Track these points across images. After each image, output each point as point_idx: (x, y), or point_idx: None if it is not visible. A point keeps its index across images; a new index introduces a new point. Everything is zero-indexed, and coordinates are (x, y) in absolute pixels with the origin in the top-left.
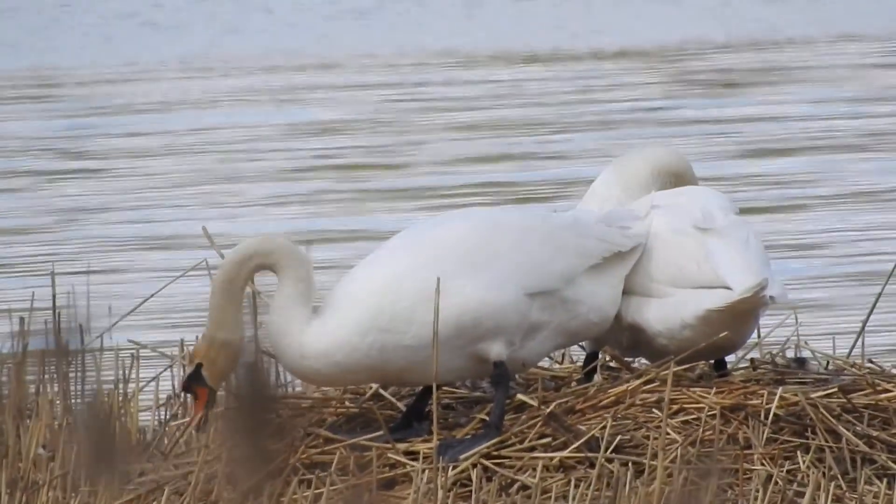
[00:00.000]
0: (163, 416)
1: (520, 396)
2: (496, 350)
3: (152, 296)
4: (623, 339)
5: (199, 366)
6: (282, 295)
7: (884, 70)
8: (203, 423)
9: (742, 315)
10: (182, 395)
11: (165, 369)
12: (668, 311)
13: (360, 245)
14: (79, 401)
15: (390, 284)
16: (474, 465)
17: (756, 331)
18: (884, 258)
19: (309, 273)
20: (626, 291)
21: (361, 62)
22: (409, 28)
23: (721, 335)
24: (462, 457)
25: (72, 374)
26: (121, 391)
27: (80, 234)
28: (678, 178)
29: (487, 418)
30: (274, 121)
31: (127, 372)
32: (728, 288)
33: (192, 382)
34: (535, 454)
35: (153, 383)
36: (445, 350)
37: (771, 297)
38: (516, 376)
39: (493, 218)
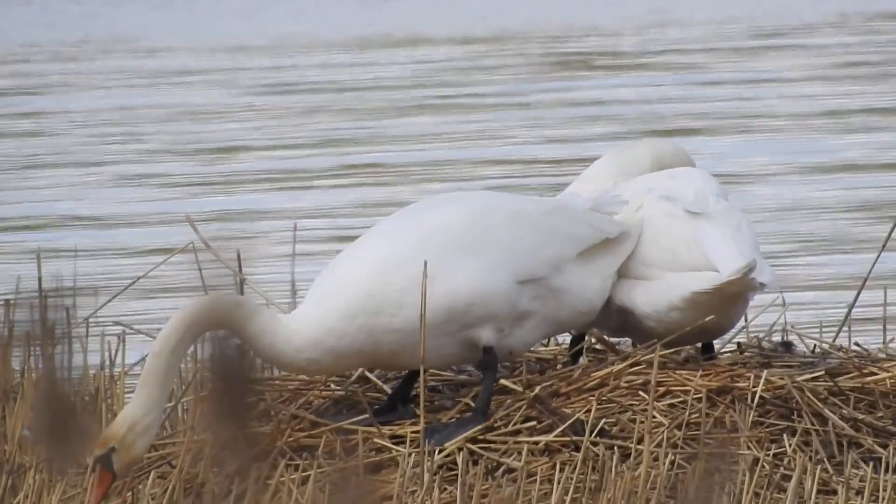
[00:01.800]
0: None
1: (503, 382)
2: (486, 336)
3: (140, 278)
4: (612, 320)
5: (111, 449)
6: (243, 331)
7: (758, 52)
8: None
9: (730, 298)
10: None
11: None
12: (657, 293)
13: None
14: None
15: (380, 268)
16: (460, 449)
17: (743, 315)
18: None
19: (245, 301)
20: (618, 275)
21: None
22: (288, 13)
23: (708, 318)
24: (448, 442)
25: (57, 356)
26: (107, 373)
27: None
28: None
29: (473, 403)
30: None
31: (113, 354)
32: (716, 271)
33: (100, 464)
34: (521, 438)
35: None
36: (436, 335)
37: (761, 284)
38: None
39: (483, 202)
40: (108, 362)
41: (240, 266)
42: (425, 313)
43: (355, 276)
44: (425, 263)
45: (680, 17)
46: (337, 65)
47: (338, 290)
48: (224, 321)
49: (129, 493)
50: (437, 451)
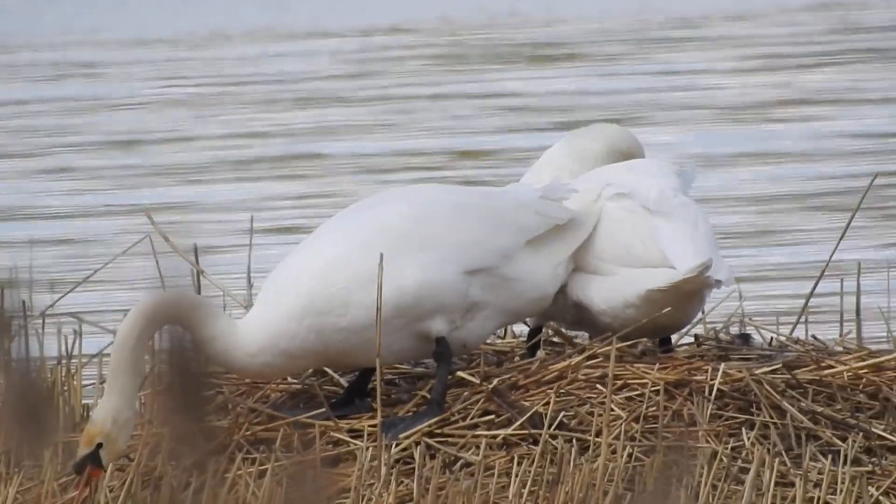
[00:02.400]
0: None
1: (460, 374)
2: (437, 327)
3: (96, 271)
4: (568, 315)
5: (98, 446)
6: (197, 331)
7: (671, 43)
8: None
9: (686, 295)
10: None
11: (109, 345)
12: (612, 289)
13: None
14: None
15: (325, 268)
16: (417, 443)
17: (699, 311)
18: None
19: (200, 301)
20: (575, 269)
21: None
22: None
23: (664, 311)
24: (404, 434)
25: (14, 349)
26: (64, 367)
27: None
28: (629, 157)
29: (429, 395)
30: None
31: (70, 348)
32: (672, 268)
33: (89, 462)
34: (479, 431)
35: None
36: (387, 331)
37: (717, 281)
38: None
39: (430, 196)
40: (64, 355)
41: (196, 258)
42: (372, 309)
43: (301, 278)
44: (381, 256)
45: (600, 9)
46: (252, 57)
47: (285, 293)
48: (181, 319)
49: (88, 487)
50: (394, 445)
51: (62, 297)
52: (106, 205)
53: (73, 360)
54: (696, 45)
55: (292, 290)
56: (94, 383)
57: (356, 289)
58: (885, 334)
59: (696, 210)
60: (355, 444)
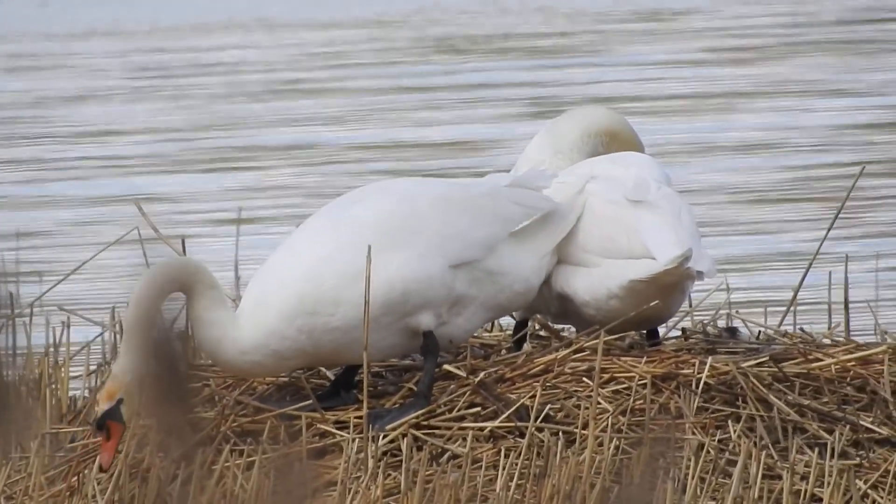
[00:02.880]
0: (94, 384)
1: (446, 367)
2: (424, 321)
3: (84, 263)
4: (552, 306)
5: (119, 401)
6: (199, 307)
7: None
8: (112, 460)
9: (668, 287)
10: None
11: (96, 337)
12: (595, 281)
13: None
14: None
15: (314, 268)
16: (404, 435)
17: (688, 300)
18: None
19: (213, 278)
20: (559, 261)
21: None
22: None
23: (651, 304)
24: (390, 427)
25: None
26: (51, 359)
27: None
28: (614, 138)
29: (416, 387)
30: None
31: (57, 339)
32: (653, 259)
33: (110, 418)
34: (465, 424)
35: (84, 351)
36: (375, 328)
37: (699, 272)
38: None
39: (408, 190)
40: (52, 347)
41: (184, 250)
42: (361, 306)
43: (290, 277)
44: (369, 248)
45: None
46: (209, 48)
47: (275, 292)
48: (187, 286)
49: (75, 479)
50: (380, 437)
51: (50, 288)
52: (75, 196)
53: (60, 352)
54: (658, 38)
55: (281, 290)
56: (81, 375)
57: (345, 286)
58: (872, 326)
59: (679, 201)
60: (342, 436)
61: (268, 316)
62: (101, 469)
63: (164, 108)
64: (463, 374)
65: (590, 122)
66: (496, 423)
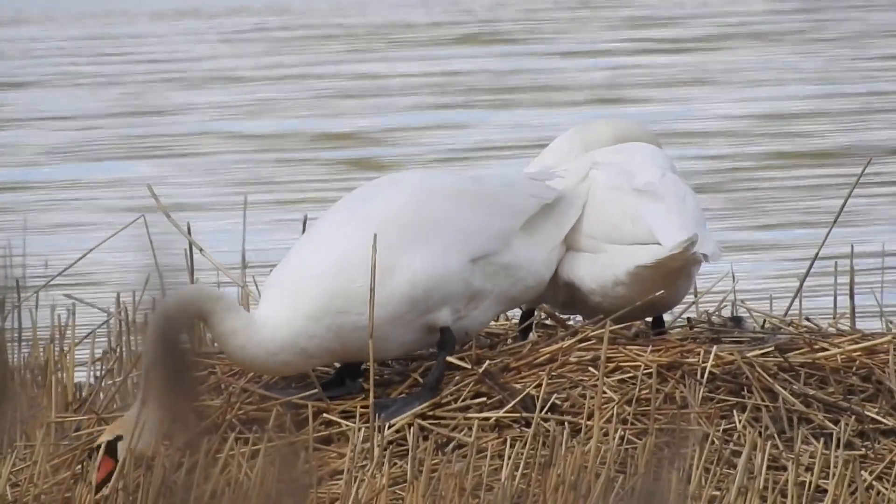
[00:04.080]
0: (99, 372)
1: (449, 359)
2: (443, 317)
3: (90, 251)
4: (559, 295)
5: (118, 438)
6: (215, 326)
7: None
8: (98, 491)
9: (674, 272)
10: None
11: (102, 324)
12: (601, 267)
13: None
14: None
15: (342, 267)
16: (410, 425)
17: (693, 289)
18: None
19: (227, 299)
20: (565, 248)
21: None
22: None
23: (657, 293)
24: (396, 419)
25: (7, 330)
26: (56, 346)
27: None
28: None
29: (422, 378)
30: None
31: (63, 327)
32: (659, 244)
33: (105, 450)
34: (471, 413)
35: (89, 339)
36: (398, 325)
37: (704, 255)
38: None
39: (427, 185)
40: (57, 335)
41: (190, 235)
42: (392, 303)
43: (318, 275)
44: (374, 237)
45: None
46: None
47: (304, 290)
48: (201, 314)
49: (79, 467)
50: (386, 427)
51: (56, 275)
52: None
53: (66, 339)
54: (590, 26)
55: (309, 289)
56: (86, 362)
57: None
58: (878, 316)
59: (683, 187)
60: (347, 426)
61: (296, 314)
62: (91, 488)
63: (82, 95)
64: (468, 364)
65: (624, 129)
66: (501, 412)
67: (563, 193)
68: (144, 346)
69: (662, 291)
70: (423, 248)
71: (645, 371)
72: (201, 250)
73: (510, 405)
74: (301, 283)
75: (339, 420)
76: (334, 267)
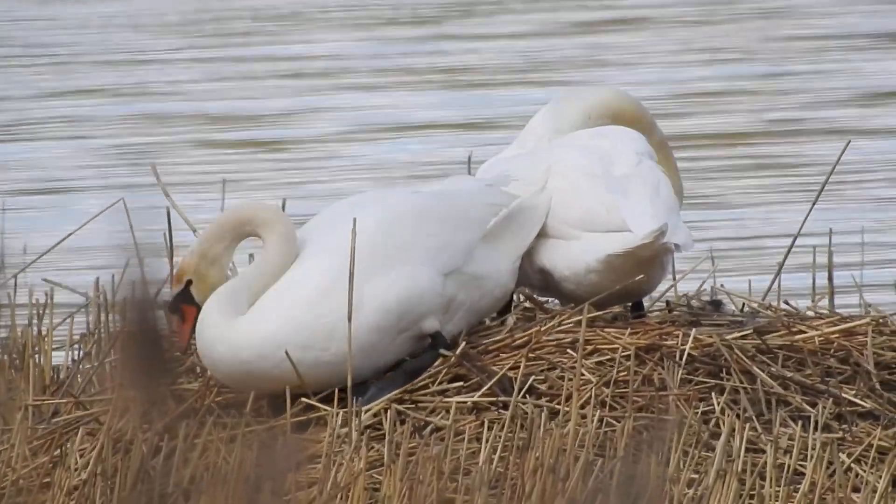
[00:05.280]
0: (77, 355)
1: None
2: (429, 325)
3: (69, 235)
4: (534, 280)
5: (188, 283)
6: (233, 281)
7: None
8: (189, 343)
9: (645, 261)
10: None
11: (80, 308)
12: (574, 255)
13: None
14: None
15: (308, 299)
16: (387, 409)
17: (672, 273)
18: None
19: (285, 253)
20: (541, 235)
21: None
22: None
23: (635, 279)
24: (372, 404)
25: None
26: (34, 329)
27: None
28: (619, 117)
29: (404, 365)
30: None
31: (41, 310)
32: (630, 232)
33: (181, 301)
34: (448, 396)
35: (67, 322)
36: (377, 350)
37: (675, 245)
38: None
39: (388, 207)
40: (35, 318)
41: (169, 220)
42: (361, 335)
43: (289, 306)
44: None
45: None
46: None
47: (274, 320)
48: (253, 231)
49: (58, 451)
50: (364, 411)
51: (35, 260)
52: None
53: (44, 323)
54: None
55: (278, 318)
56: (64, 346)
57: (340, 321)
58: (856, 299)
59: (658, 175)
60: (325, 410)
61: (265, 341)
62: (179, 352)
63: None
64: (448, 354)
65: (592, 103)
66: (477, 395)
67: (522, 202)
68: (213, 224)
69: (640, 276)
70: (391, 273)
71: (623, 353)
72: (195, 231)
73: (486, 387)
74: (275, 310)
75: (317, 404)
76: (301, 300)
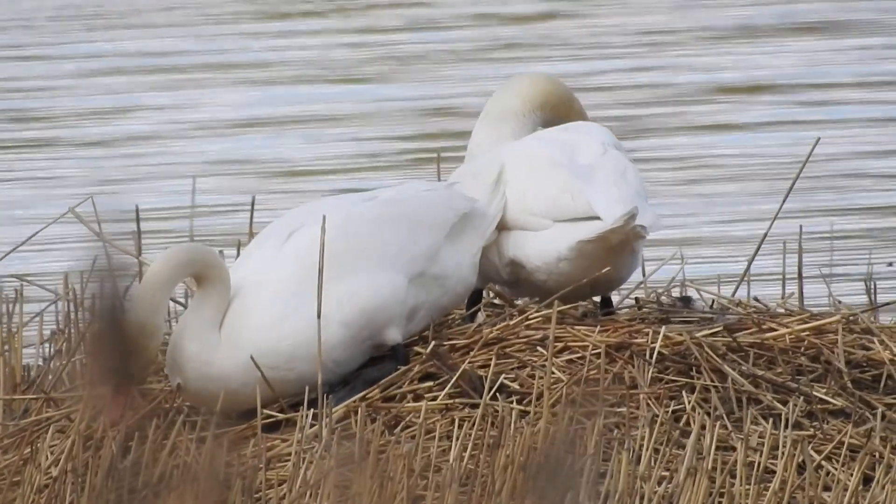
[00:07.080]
0: (47, 352)
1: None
2: (391, 336)
3: (37, 233)
4: (504, 274)
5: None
6: (198, 315)
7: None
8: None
9: (617, 247)
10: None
11: (50, 304)
12: (544, 244)
13: None
14: None
15: (269, 320)
16: (357, 408)
17: (641, 270)
18: None
19: (227, 293)
20: (506, 227)
21: None
22: None
23: (603, 271)
24: (345, 402)
25: None
26: (4, 327)
27: None
28: (557, 107)
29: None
30: None
31: (10, 307)
32: (599, 219)
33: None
34: (419, 394)
35: (37, 319)
36: (343, 362)
37: (642, 227)
38: None
39: (343, 217)
40: (5, 316)
41: (138, 221)
42: (326, 349)
43: (252, 328)
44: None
45: None
46: None
47: (237, 341)
48: (201, 275)
49: (28, 449)
50: (333, 410)
51: (3, 258)
52: None
53: (13, 321)
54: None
55: (244, 340)
56: (34, 344)
57: (302, 344)
58: (826, 296)
59: (625, 162)
60: (295, 410)
61: (235, 362)
62: (112, 425)
63: None
64: (418, 348)
65: (534, 93)
66: (443, 392)
67: (478, 202)
68: (148, 281)
69: (608, 269)
70: (355, 277)
71: (593, 351)
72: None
73: (456, 383)
74: (240, 330)
75: (284, 416)
76: (263, 321)
